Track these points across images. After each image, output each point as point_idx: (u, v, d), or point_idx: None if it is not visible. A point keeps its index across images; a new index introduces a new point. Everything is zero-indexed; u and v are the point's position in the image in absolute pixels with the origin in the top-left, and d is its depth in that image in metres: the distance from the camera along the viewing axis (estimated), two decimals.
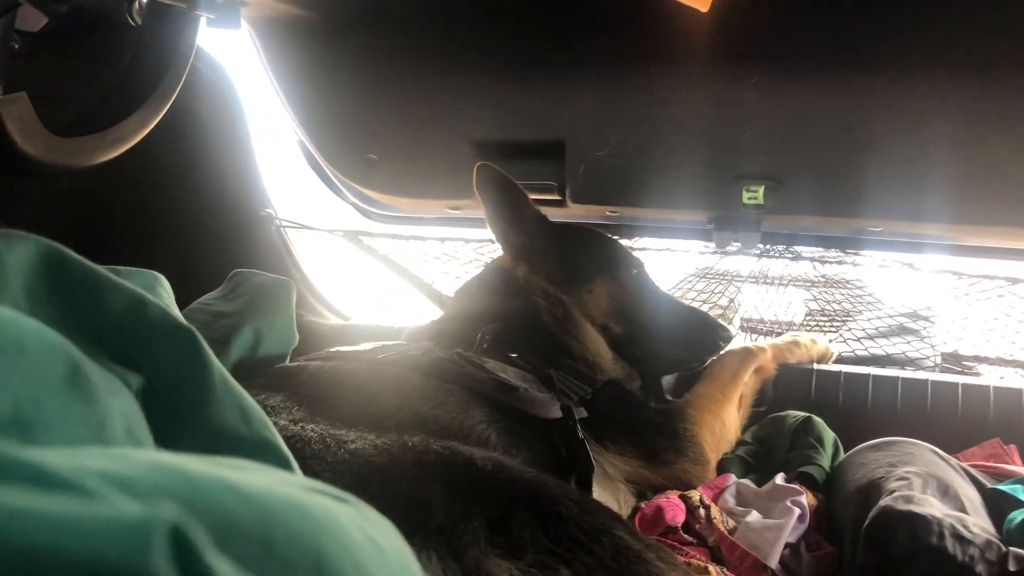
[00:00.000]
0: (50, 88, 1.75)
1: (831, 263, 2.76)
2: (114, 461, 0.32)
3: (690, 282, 2.93)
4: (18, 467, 0.29)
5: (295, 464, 0.65)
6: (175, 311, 0.86)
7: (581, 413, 1.57)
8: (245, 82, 2.42)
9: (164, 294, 0.89)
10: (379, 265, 2.88)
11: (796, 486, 1.64)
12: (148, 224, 2.47)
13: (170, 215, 2.48)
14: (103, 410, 0.47)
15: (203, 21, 1.86)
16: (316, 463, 0.92)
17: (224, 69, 2.36)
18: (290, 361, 1.75)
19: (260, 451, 0.61)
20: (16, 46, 1.62)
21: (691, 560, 1.36)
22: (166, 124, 1.80)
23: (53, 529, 0.26)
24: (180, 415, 0.57)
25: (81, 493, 0.29)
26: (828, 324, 2.77)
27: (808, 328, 2.78)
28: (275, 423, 1.06)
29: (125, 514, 0.27)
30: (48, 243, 0.53)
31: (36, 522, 0.26)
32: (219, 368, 0.60)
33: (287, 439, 0.98)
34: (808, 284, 2.86)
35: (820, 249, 2.63)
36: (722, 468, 1.83)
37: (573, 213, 2.48)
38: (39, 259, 0.52)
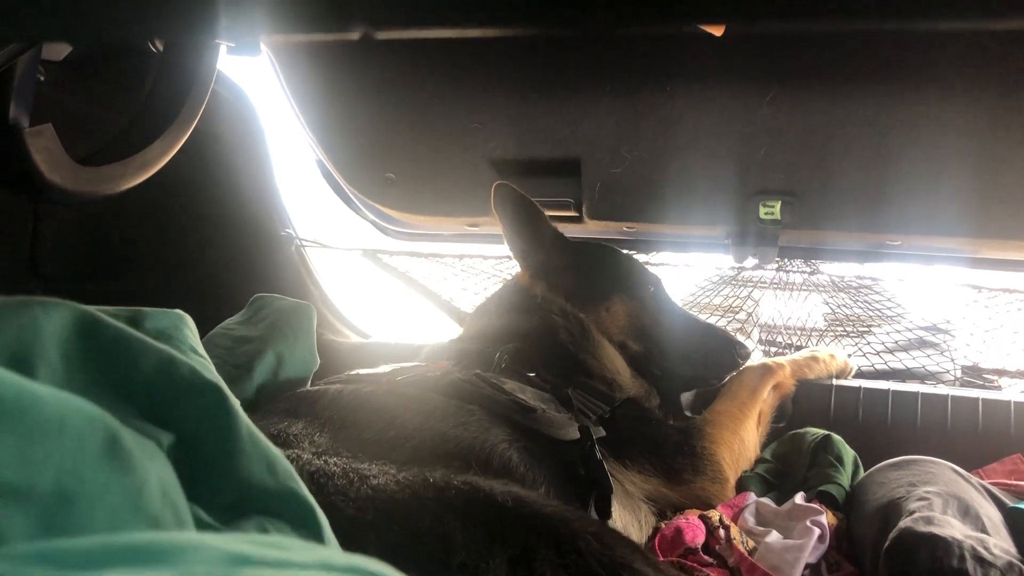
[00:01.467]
0: (74, 117, 1.78)
1: (850, 276, 2.75)
2: (170, 572, 0.33)
3: (708, 296, 2.93)
4: None
5: (319, 512, 0.66)
6: (200, 353, 0.88)
7: (599, 432, 1.58)
8: (265, 104, 2.45)
9: (189, 335, 0.91)
10: (398, 283, 2.90)
11: (816, 505, 1.64)
12: (170, 245, 2.51)
13: (192, 235, 2.52)
14: (141, 477, 0.49)
15: (224, 47, 1.89)
16: (340, 499, 0.94)
17: (244, 92, 2.38)
18: (311, 383, 1.78)
19: (287, 501, 0.63)
20: (42, 78, 1.65)
21: None
22: (188, 147, 1.82)
23: None
24: (210, 470, 0.59)
25: None
26: (848, 336, 2.76)
27: (827, 340, 2.77)
28: (299, 456, 1.09)
29: None
30: (82, 309, 0.55)
31: None
32: (246, 421, 0.62)
33: (311, 474, 1.00)
34: (827, 296, 2.85)
35: (839, 263, 2.62)
36: (741, 486, 1.83)
37: (590, 229, 2.49)
38: (73, 325, 0.54)
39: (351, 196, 2.60)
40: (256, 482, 0.61)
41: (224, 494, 0.59)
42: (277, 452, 0.65)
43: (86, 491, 0.44)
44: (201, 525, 0.55)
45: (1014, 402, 2.03)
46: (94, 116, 2.01)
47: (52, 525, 0.42)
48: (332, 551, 0.56)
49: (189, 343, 0.92)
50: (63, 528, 0.42)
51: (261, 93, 2.40)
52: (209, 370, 0.66)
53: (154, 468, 0.51)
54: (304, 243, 2.73)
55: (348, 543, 0.66)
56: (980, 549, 1.25)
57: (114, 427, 0.48)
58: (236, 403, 0.62)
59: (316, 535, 0.63)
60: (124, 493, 0.46)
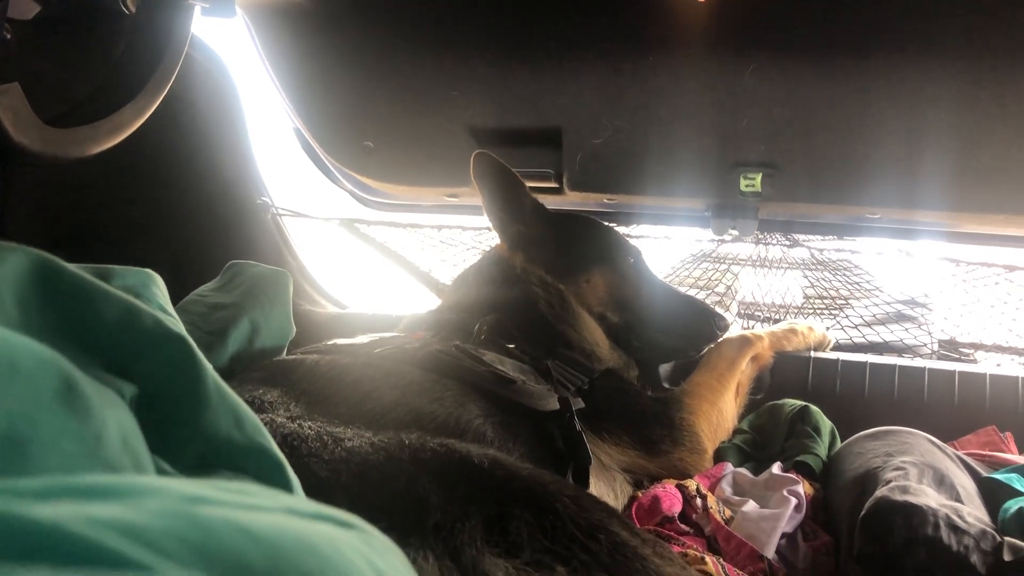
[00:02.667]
0: (43, 78, 1.74)
1: (829, 249, 2.75)
2: (127, 507, 0.32)
3: (687, 269, 2.92)
4: (30, 530, 0.29)
5: (289, 468, 0.64)
6: (169, 311, 0.86)
7: (578, 404, 1.57)
8: (241, 70, 2.41)
9: (158, 293, 0.89)
10: (376, 253, 2.88)
11: (793, 475, 1.64)
12: (143, 213, 2.47)
13: (165, 204, 2.47)
14: (99, 424, 0.47)
15: (198, 9, 1.85)
16: (313, 461, 0.92)
17: (219, 57, 2.34)
18: (287, 352, 1.75)
19: (255, 456, 0.61)
20: (8, 36, 1.61)
21: (687, 550, 1.36)
22: (161, 113, 1.79)
23: None
24: (175, 423, 0.57)
25: (108, 562, 0.28)
26: (826, 310, 2.77)
27: (805, 314, 2.78)
28: (272, 419, 1.07)
29: None
30: (39, 254, 0.53)
31: None
32: (212, 374, 0.60)
33: (285, 436, 0.98)
34: (806, 269, 2.86)
35: (818, 236, 2.62)
36: (719, 457, 1.83)
37: (571, 201, 2.48)
38: (30, 270, 0.52)
39: (329, 165, 2.57)
40: (223, 436, 0.59)
41: (189, 448, 0.57)
42: (245, 407, 0.63)
43: (39, 436, 0.42)
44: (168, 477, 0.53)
45: (989, 375, 2.04)
46: (64, 78, 1.97)
47: (4, 470, 0.40)
48: (299, 499, 0.54)
49: (157, 301, 0.90)
50: (16, 474, 0.40)
51: (236, 58, 2.36)
52: (176, 323, 0.64)
53: (114, 416, 0.49)
54: (281, 212, 2.69)
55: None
56: (954, 517, 1.25)
57: (70, 372, 0.46)
58: (201, 355, 0.60)
59: (286, 491, 0.61)
60: (80, 440, 0.44)
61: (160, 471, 0.53)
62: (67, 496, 0.32)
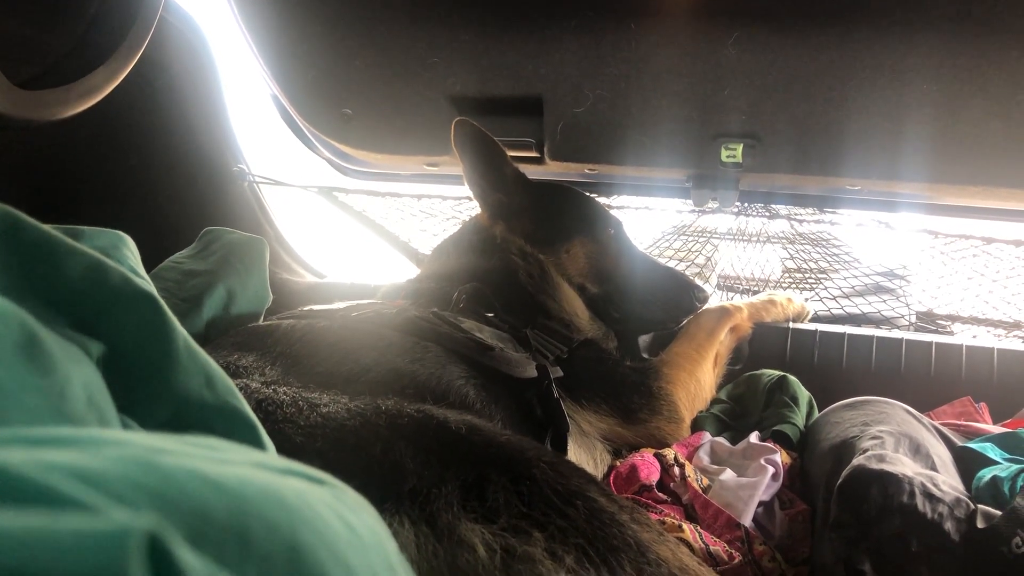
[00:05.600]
0: (13, 39, 1.70)
1: (809, 222, 2.76)
2: (83, 453, 0.31)
3: (668, 240, 2.92)
4: None
5: (262, 430, 0.63)
6: (140, 273, 0.84)
7: (557, 372, 1.57)
8: (216, 34, 2.36)
9: (129, 255, 0.87)
10: (355, 222, 2.85)
11: (770, 444, 1.65)
12: (117, 181, 2.42)
13: (139, 171, 2.43)
14: (62, 379, 0.45)
15: None
16: (288, 427, 0.91)
17: (194, 20, 2.29)
18: (263, 320, 1.74)
19: (226, 418, 0.60)
20: None
21: (665, 518, 1.37)
22: (135, 77, 1.75)
23: (21, 547, 0.25)
24: (143, 382, 0.55)
25: (51, 500, 0.27)
26: (804, 282, 2.78)
27: (785, 286, 2.79)
28: (247, 384, 1.05)
29: (99, 527, 0.26)
30: (0, 207, 0.51)
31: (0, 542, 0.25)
32: (182, 334, 0.59)
33: (259, 402, 0.97)
34: (785, 241, 2.86)
35: (798, 208, 2.63)
36: (697, 426, 1.84)
37: (552, 170, 2.46)
38: None
39: (307, 133, 2.54)
40: (193, 397, 0.58)
41: (158, 407, 0.56)
42: (217, 367, 0.61)
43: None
44: None
45: (966, 346, 2.06)
46: (35, 40, 1.92)
47: None
48: (269, 455, 0.53)
49: (128, 263, 0.87)
50: None
51: (213, 22, 2.32)
52: (145, 283, 0.62)
53: (79, 372, 0.47)
54: (258, 180, 2.66)
55: None
56: (929, 486, 1.26)
57: (31, 325, 0.45)
58: (171, 315, 0.58)
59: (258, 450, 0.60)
60: (43, 395, 0.43)
61: (127, 429, 0.52)
62: (24, 444, 0.31)
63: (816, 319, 2.32)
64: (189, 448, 0.36)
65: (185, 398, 0.57)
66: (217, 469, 0.33)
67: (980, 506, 1.25)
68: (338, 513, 0.38)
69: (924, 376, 2.03)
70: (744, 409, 1.90)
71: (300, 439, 0.89)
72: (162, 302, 0.57)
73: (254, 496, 0.32)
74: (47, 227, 0.55)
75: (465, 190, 2.15)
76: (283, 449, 0.81)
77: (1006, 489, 1.34)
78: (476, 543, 0.78)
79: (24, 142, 2.19)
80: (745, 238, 2.83)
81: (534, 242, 2.02)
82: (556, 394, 1.46)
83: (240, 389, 1.02)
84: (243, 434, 0.60)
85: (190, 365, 0.58)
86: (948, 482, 1.32)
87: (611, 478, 1.55)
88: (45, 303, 0.51)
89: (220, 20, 2.27)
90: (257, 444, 0.61)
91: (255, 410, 0.95)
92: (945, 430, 1.64)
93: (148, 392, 0.55)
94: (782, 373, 1.91)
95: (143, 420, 0.54)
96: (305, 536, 0.34)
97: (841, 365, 2.10)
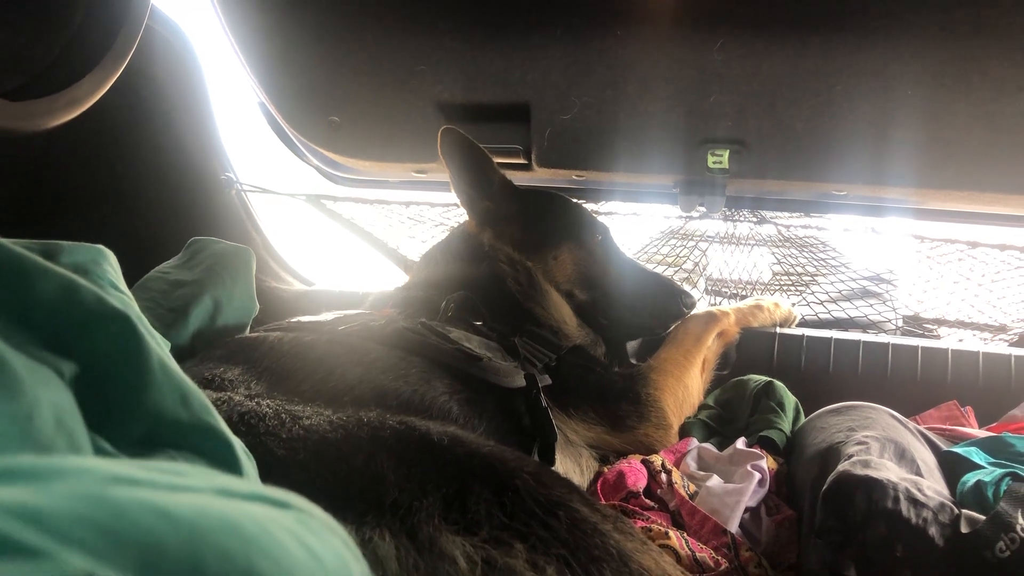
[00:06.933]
0: None
1: (796, 227, 2.77)
2: (33, 490, 0.30)
3: (655, 246, 2.93)
4: None
5: (238, 448, 0.63)
6: (121, 288, 0.84)
7: (545, 381, 1.57)
8: (203, 42, 2.36)
9: (109, 269, 0.86)
10: (343, 229, 2.85)
11: (757, 450, 1.65)
12: (104, 190, 2.42)
13: (126, 180, 2.43)
14: (30, 403, 0.45)
15: None
16: (270, 439, 0.91)
17: (181, 29, 2.29)
18: (251, 330, 1.73)
19: (201, 435, 0.60)
20: None
21: (652, 525, 1.37)
22: (121, 86, 1.75)
23: None
24: (117, 402, 0.55)
25: None
26: (792, 287, 2.79)
27: (772, 291, 2.80)
28: (230, 398, 1.05)
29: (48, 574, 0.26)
30: None
31: None
32: (157, 352, 0.58)
33: (242, 415, 0.97)
34: (773, 246, 2.87)
35: (785, 213, 2.63)
36: (684, 432, 1.84)
37: (539, 177, 2.46)
38: None
39: (295, 140, 2.53)
40: (168, 415, 0.57)
41: (132, 426, 0.56)
42: (192, 385, 0.61)
43: None
44: (106, 457, 0.52)
45: (951, 350, 2.07)
46: (20, 49, 1.91)
47: None
48: (235, 479, 0.53)
49: (108, 278, 0.87)
50: None
51: (199, 30, 2.31)
52: (122, 301, 0.62)
53: (47, 395, 0.47)
54: (245, 188, 2.65)
55: (278, 483, 0.63)
56: (914, 491, 1.27)
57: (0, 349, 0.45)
58: (146, 333, 0.58)
59: (234, 471, 0.60)
60: (9, 419, 0.43)
61: (100, 451, 0.52)
62: None
63: (803, 324, 2.33)
64: (151, 475, 0.36)
65: (160, 417, 0.57)
66: (173, 500, 0.33)
67: (964, 511, 1.25)
68: (299, 539, 0.38)
69: (910, 380, 2.04)
70: (731, 415, 1.91)
71: (282, 452, 0.89)
72: (136, 321, 0.57)
73: (209, 527, 0.32)
74: (19, 246, 0.55)
75: (453, 197, 2.16)
76: (265, 462, 0.81)
77: (990, 494, 1.34)
78: (457, 555, 0.78)
79: (9, 151, 2.19)
80: (733, 242, 2.84)
81: (522, 249, 2.03)
82: (544, 403, 1.46)
83: (225, 402, 1.02)
84: (218, 451, 0.60)
85: (165, 383, 0.58)
86: (933, 487, 1.32)
87: (599, 485, 1.55)
88: (16, 324, 0.51)
89: (207, 28, 2.27)
90: (232, 462, 0.60)
91: (239, 423, 0.95)
92: (931, 434, 1.65)
93: (122, 411, 0.55)
94: (769, 378, 1.92)
95: (117, 440, 0.54)
96: (262, 565, 0.33)
97: (828, 370, 2.10)
